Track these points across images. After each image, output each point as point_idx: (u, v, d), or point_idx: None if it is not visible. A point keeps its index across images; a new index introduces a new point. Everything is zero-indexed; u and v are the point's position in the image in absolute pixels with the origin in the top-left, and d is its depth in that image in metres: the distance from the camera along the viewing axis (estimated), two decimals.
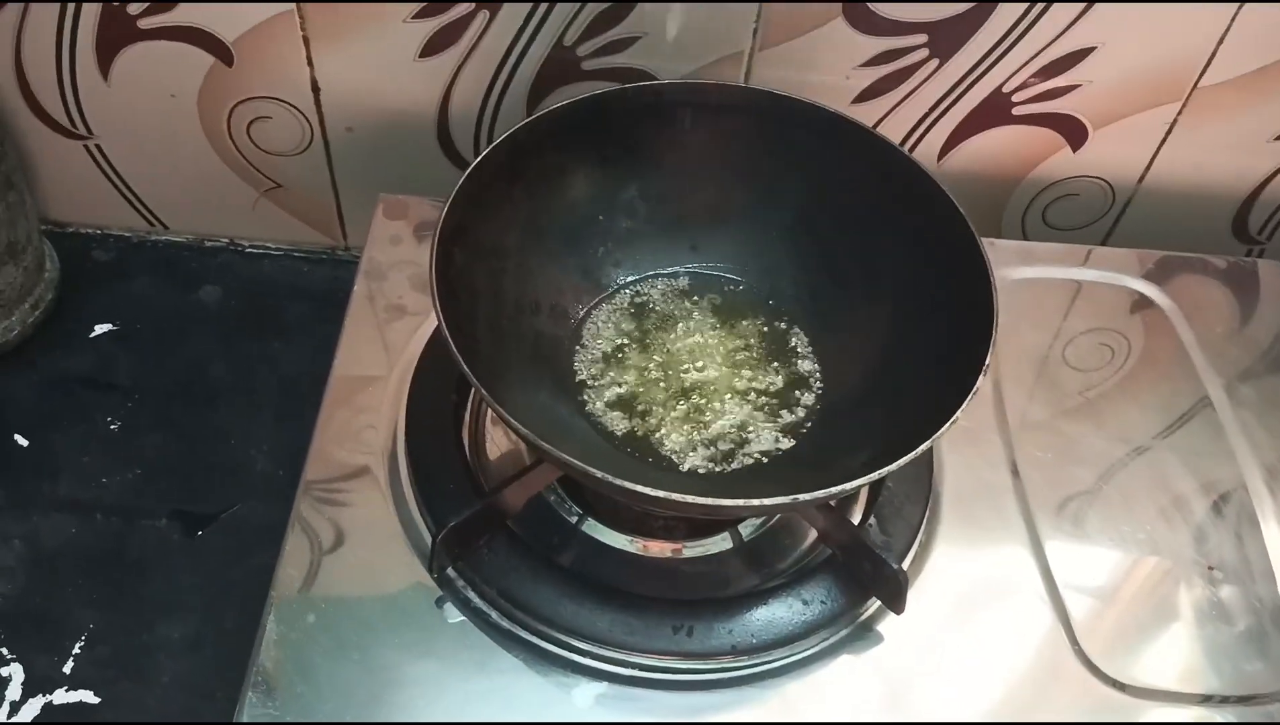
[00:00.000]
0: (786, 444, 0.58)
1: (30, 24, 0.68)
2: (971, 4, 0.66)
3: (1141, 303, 0.72)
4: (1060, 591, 0.58)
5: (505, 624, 0.53)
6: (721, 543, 0.59)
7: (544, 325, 0.60)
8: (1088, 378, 0.68)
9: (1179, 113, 0.72)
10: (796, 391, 0.60)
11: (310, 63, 0.70)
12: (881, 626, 0.55)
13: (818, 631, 0.54)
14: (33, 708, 0.60)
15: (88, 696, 0.61)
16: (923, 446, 0.46)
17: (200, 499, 0.69)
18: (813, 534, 0.59)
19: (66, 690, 0.61)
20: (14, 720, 0.59)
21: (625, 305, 0.63)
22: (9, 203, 0.70)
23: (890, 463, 0.46)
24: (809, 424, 0.59)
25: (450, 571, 0.54)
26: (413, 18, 0.67)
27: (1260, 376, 0.69)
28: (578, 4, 0.66)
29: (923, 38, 0.68)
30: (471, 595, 0.54)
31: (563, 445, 0.46)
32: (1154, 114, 0.72)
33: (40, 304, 0.75)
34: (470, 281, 0.55)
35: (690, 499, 0.44)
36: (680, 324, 0.62)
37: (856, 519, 0.59)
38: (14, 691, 0.60)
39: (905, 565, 0.56)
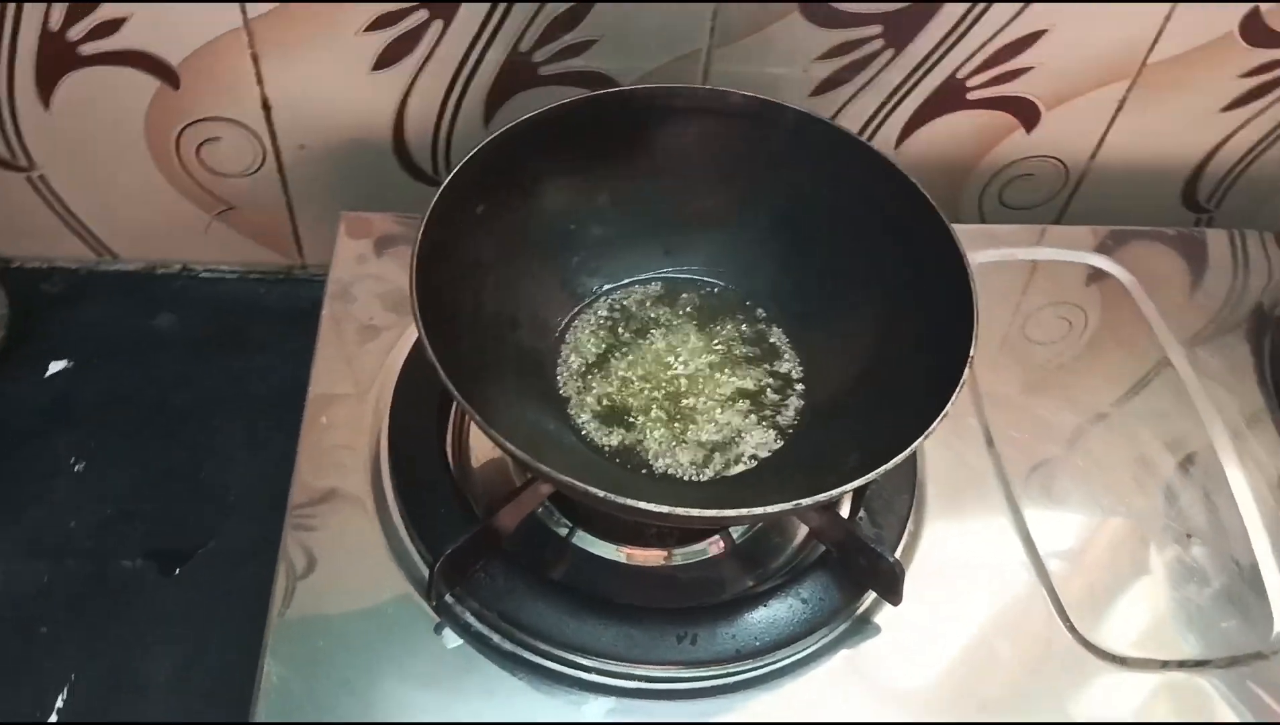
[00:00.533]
0: (776, 445, 0.58)
1: None
2: None
3: (1097, 276, 0.73)
4: (1044, 561, 0.59)
5: (508, 646, 0.53)
6: (714, 546, 0.59)
7: (525, 339, 0.59)
8: (1051, 350, 0.69)
9: (1129, 89, 0.73)
10: (781, 392, 0.60)
11: (260, 80, 0.68)
12: (878, 618, 0.56)
13: (818, 629, 0.54)
14: None
15: None
16: (918, 441, 0.47)
17: (175, 535, 0.67)
18: (803, 531, 0.60)
19: None
20: None
21: (604, 314, 0.62)
22: None
23: (885, 460, 0.46)
24: (796, 424, 0.59)
25: (448, 597, 0.54)
26: (365, 30, 0.66)
27: (1213, 337, 0.71)
28: (536, 6, 0.65)
29: (878, 28, 0.68)
30: (471, 619, 0.54)
31: (554, 462, 0.45)
32: (1104, 92, 0.73)
33: None
34: (451, 301, 0.54)
35: (695, 513, 0.44)
36: (660, 330, 0.62)
37: (846, 512, 0.59)
38: None
39: (897, 555, 0.57)
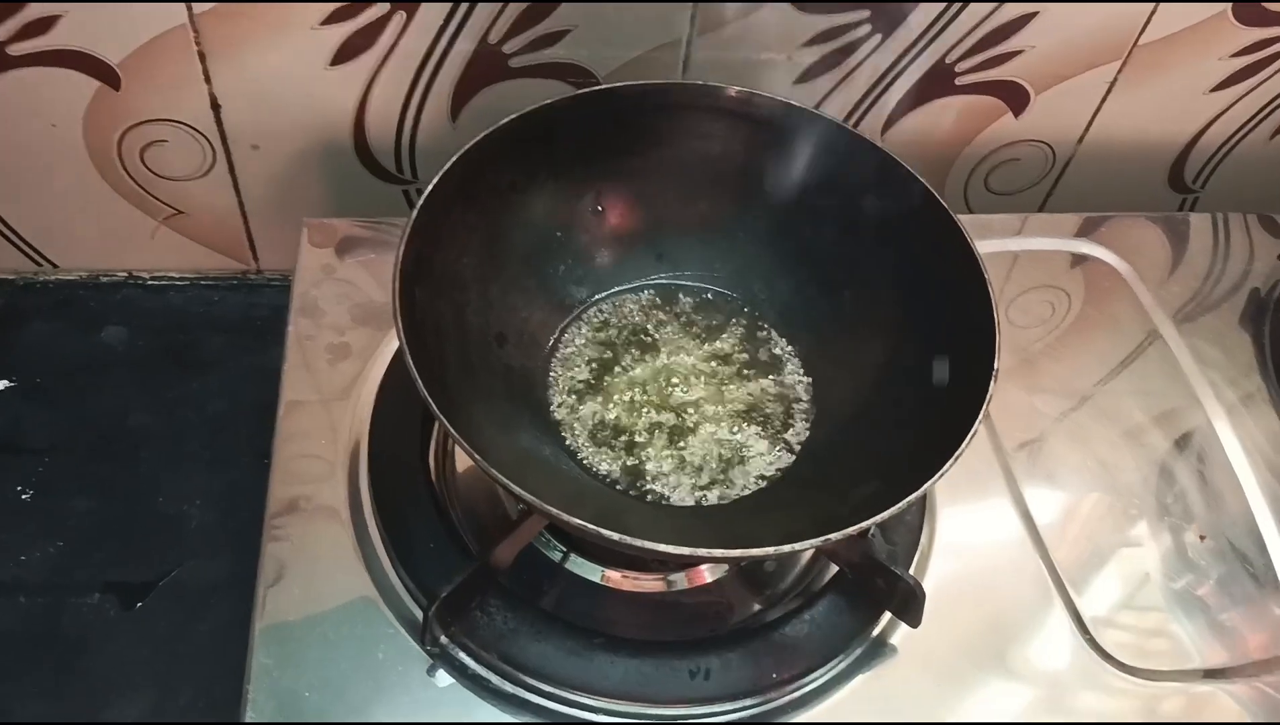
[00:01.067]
0: (785, 463, 0.55)
1: None
2: None
3: (1081, 258, 0.72)
4: (1048, 549, 0.58)
5: (508, 688, 0.50)
6: (718, 569, 0.56)
7: (514, 357, 0.56)
8: (1043, 330, 0.68)
9: (1119, 71, 0.71)
10: (785, 402, 0.57)
11: (208, 79, 0.64)
12: (894, 639, 0.54)
13: (834, 656, 0.52)
14: None
15: None
16: (948, 464, 0.44)
17: (135, 566, 0.63)
18: (810, 550, 0.57)
19: None
20: None
21: (595, 325, 0.59)
22: None
23: (906, 478, 0.44)
24: (804, 438, 0.56)
25: (443, 638, 0.50)
26: (321, 24, 0.61)
27: (1197, 316, 0.70)
28: None
29: (865, 13, 0.65)
30: (467, 660, 0.50)
31: (552, 491, 0.42)
32: (1095, 74, 0.71)
33: None
34: (435, 320, 0.50)
35: (719, 554, 0.41)
36: (654, 340, 0.59)
37: None
38: None
39: (911, 570, 0.54)
